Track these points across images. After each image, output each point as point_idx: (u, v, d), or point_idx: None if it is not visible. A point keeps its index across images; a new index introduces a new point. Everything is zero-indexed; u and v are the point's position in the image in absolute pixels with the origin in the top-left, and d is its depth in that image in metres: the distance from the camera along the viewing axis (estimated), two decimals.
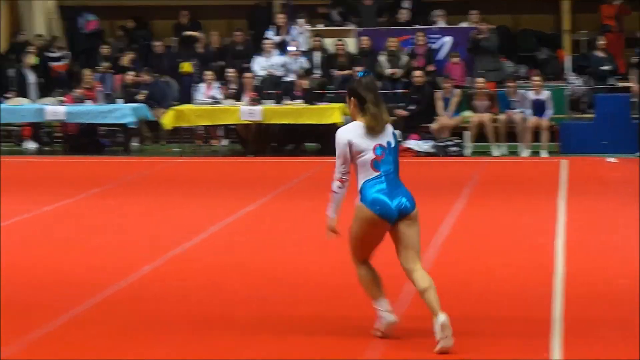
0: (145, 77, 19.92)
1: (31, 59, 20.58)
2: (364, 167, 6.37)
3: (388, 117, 6.45)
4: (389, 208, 6.31)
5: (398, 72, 19.56)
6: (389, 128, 6.48)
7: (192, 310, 7.23)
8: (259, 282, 8.09)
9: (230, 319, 6.96)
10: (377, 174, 6.36)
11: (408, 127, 18.38)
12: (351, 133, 6.39)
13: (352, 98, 6.45)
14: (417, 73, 18.89)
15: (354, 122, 6.45)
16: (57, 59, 21.62)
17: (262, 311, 7.15)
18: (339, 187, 6.40)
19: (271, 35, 20.68)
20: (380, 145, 6.39)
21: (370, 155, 6.35)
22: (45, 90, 20.42)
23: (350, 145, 6.35)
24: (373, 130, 6.37)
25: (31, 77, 20.46)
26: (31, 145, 19.85)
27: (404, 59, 19.88)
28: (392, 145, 6.44)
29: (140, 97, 19.34)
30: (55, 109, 18.63)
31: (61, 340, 6.52)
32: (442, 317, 6.14)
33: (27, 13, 23.21)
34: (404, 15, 21.08)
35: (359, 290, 6.57)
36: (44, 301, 7.50)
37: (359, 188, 6.38)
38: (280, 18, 21.08)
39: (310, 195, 12.85)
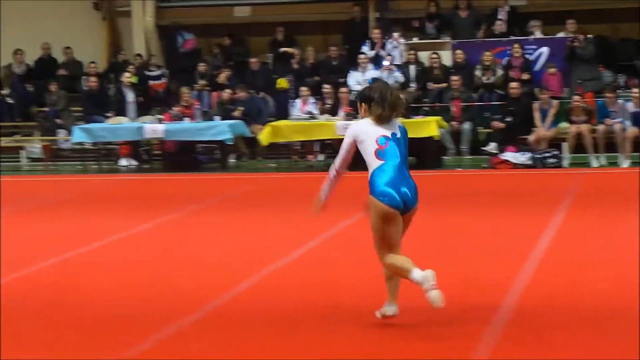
0: (241, 94, 20.13)
1: (130, 78, 20.94)
2: (369, 157, 6.71)
3: (393, 114, 6.79)
4: (394, 198, 6.64)
5: (493, 79, 19.51)
6: (396, 122, 6.83)
7: (292, 325, 7.27)
8: (357, 297, 8.09)
9: (330, 334, 6.98)
10: (382, 162, 6.68)
11: (505, 139, 18.24)
12: (358, 128, 6.85)
13: (362, 104, 6.89)
14: (514, 84, 18.74)
15: (365, 119, 6.88)
16: (156, 78, 21.97)
17: (358, 326, 7.15)
18: (334, 176, 7.02)
19: (366, 50, 20.74)
20: (384, 136, 6.74)
21: (373, 145, 6.70)
22: (143, 109, 20.76)
23: (355, 138, 6.79)
24: (379, 123, 6.78)
25: (130, 96, 20.81)
26: (129, 163, 20.20)
27: (499, 72, 19.75)
28: (398, 136, 6.76)
29: (236, 113, 19.55)
30: (154, 127, 18.91)
31: (165, 353, 6.61)
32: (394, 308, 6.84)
33: (126, 33, 23.68)
34: (499, 26, 20.95)
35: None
36: (148, 315, 7.61)
37: (368, 179, 6.69)
38: (376, 32, 21.13)
39: None
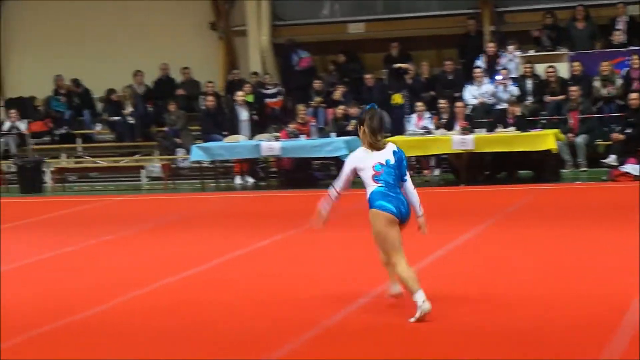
0: (355, 110, 20.18)
1: (244, 97, 21.20)
2: (368, 181, 7.97)
3: (384, 142, 8.05)
4: (392, 209, 7.84)
5: (612, 91, 19.17)
6: (390, 147, 8.00)
7: (412, 339, 7.25)
8: (489, 309, 8.03)
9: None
10: (378, 185, 7.90)
11: (624, 151, 17.88)
12: (357, 158, 8.09)
13: (361, 127, 8.06)
14: (633, 95, 18.38)
15: (360, 148, 8.10)
16: (272, 96, 22.19)
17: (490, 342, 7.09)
18: (335, 195, 8.23)
19: (481, 64, 20.60)
20: (379, 163, 7.96)
21: (370, 172, 7.95)
22: (258, 127, 20.98)
23: (354, 168, 8.06)
24: (371, 150, 7.99)
25: (243, 115, 21.06)
26: (245, 180, 20.43)
27: (618, 82, 19.40)
28: (392, 162, 7.93)
29: (350, 127, 19.56)
30: (270, 145, 19.08)
31: None
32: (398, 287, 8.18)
33: (242, 52, 23.98)
34: (618, 37, 20.59)
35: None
36: (271, 330, 7.68)
37: (367, 199, 7.93)
38: (490, 46, 20.98)
39: (528, 222, 12.72)
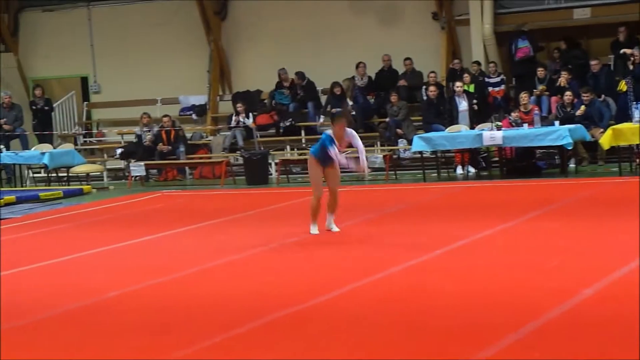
0: (583, 97, 19.78)
1: (463, 86, 21.17)
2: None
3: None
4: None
5: None
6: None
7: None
8: None
9: None
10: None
11: None
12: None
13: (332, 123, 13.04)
14: None
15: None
16: (495, 84, 22.06)
17: None
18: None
19: None
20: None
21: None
22: (478, 116, 20.90)
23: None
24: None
25: (463, 104, 21.02)
26: (466, 170, 20.40)
27: None
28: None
29: (579, 112, 19.16)
30: (492, 134, 18.97)
31: None
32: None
33: (464, 41, 23.94)
34: None
35: None
36: (490, 322, 7.71)
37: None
38: None
39: None
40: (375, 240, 12.26)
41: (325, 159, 12.84)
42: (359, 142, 12.89)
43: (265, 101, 25.05)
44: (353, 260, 10.91)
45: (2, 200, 19.45)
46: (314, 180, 13.00)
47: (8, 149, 24.04)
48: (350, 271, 10.15)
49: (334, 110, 15.47)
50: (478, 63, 22.85)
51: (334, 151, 12.66)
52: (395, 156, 21.98)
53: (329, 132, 12.88)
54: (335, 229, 13.06)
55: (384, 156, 21.51)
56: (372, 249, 11.66)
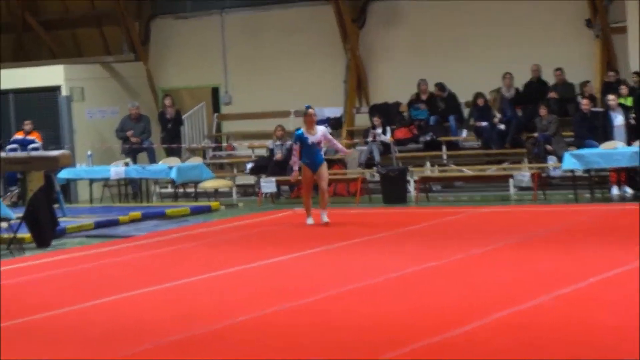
0: None
1: (618, 99, 20.72)
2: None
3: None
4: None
5: None
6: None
7: None
8: None
9: None
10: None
11: None
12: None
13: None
14: None
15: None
16: None
17: None
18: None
19: None
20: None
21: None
22: (635, 132, 20.41)
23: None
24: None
25: (619, 119, 20.56)
26: (622, 191, 19.93)
27: None
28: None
29: None
30: None
31: None
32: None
33: (621, 50, 23.40)
34: None
35: None
36: None
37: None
38: None
39: None
40: (522, 266, 12.05)
41: (314, 163, 17.15)
42: (330, 137, 17.80)
43: (404, 114, 24.97)
44: (498, 287, 10.74)
45: (127, 217, 19.82)
46: (304, 183, 17.44)
47: (135, 162, 24.49)
48: (495, 299, 9.98)
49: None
50: (638, 74, 22.29)
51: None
52: (544, 174, 21.61)
53: (301, 129, 17.39)
54: (325, 219, 17.10)
55: (532, 174, 21.15)
56: (519, 275, 11.46)
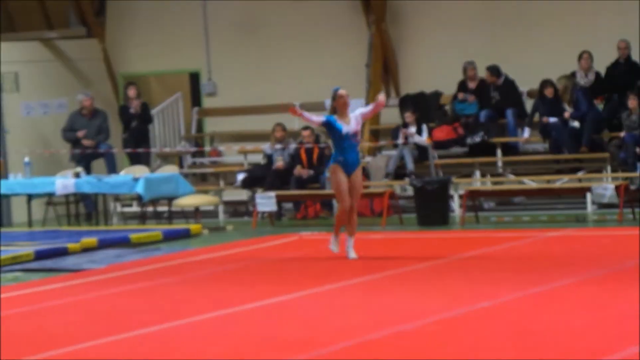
0: None
1: None
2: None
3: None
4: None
5: None
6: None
7: None
8: None
9: None
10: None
11: None
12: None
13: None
14: None
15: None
16: None
17: None
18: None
19: None
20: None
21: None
22: None
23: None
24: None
25: None
26: None
27: None
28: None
29: None
30: None
31: None
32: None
33: None
34: None
35: None
36: None
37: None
38: None
39: None
40: (605, 307, 12.08)
41: (347, 163, 16.46)
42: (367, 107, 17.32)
43: (446, 107, 24.99)
44: (569, 336, 10.77)
45: (79, 245, 19.84)
46: (338, 189, 16.48)
47: (88, 172, 24.51)
48: (565, 350, 10.02)
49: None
50: None
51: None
52: (633, 187, 21.62)
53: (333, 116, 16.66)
54: (353, 255, 16.45)
55: (617, 187, 21.16)
56: (598, 320, 11.49)
